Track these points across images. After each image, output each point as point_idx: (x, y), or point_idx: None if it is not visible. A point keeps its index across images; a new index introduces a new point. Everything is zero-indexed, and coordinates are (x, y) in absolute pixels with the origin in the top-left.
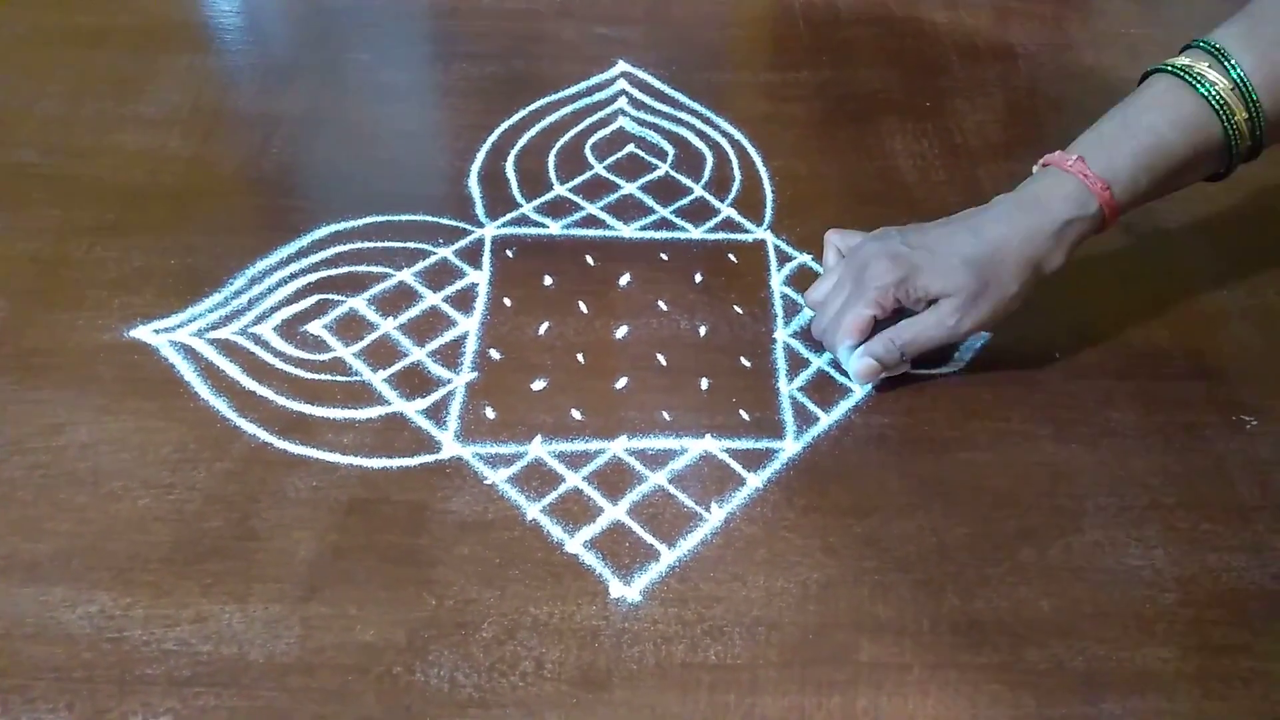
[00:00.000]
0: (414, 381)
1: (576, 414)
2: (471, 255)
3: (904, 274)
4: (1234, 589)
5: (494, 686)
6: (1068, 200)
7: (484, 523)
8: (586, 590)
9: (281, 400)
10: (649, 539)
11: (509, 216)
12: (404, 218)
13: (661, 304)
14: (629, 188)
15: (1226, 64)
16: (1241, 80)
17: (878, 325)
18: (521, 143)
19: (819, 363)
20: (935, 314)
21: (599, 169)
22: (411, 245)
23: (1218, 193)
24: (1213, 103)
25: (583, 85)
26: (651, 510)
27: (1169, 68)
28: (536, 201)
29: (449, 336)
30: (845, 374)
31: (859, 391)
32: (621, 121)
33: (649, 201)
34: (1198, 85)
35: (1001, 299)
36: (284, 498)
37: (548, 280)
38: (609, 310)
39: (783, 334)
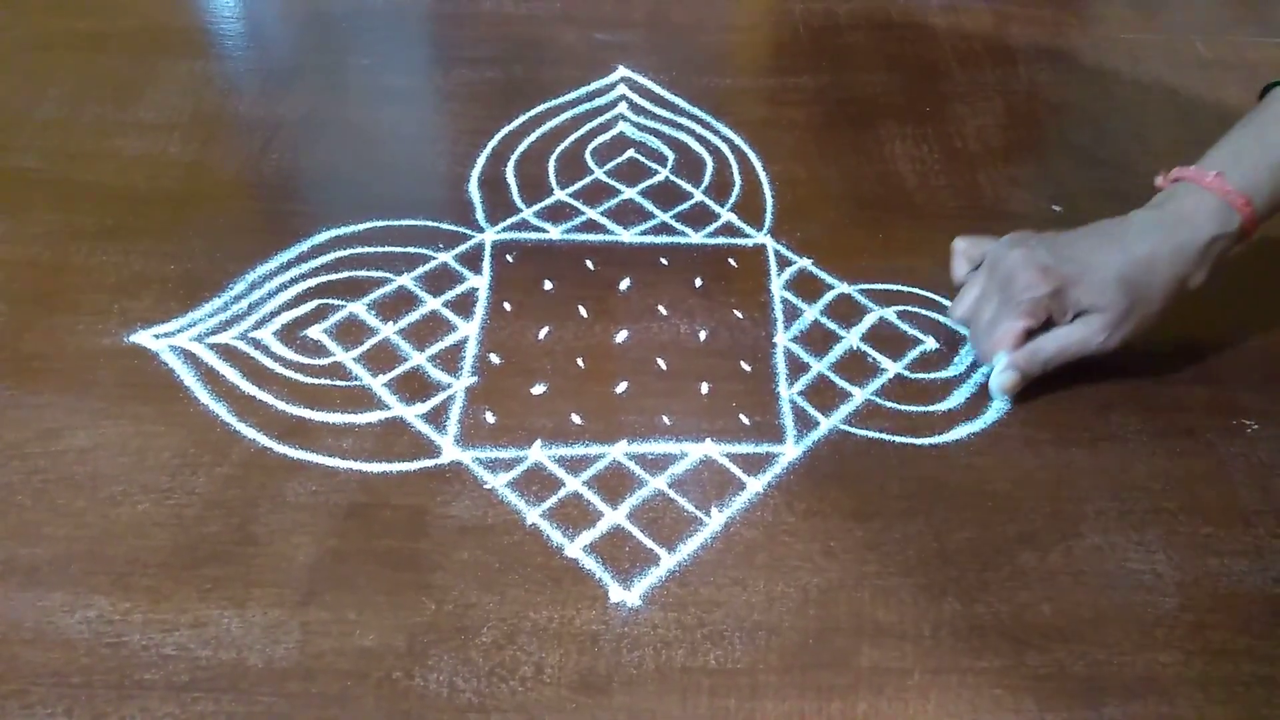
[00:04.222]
0: (414, 386)
1: (576, 418)
2: (472, 260)
3: (1056, 286)
4: (1235, 593)
5: (493, 691)
6: (1212, 218)
7: (484, 527)
8: (586, 595)
9: (281, 405)
10: (649, 543)
11: (509, 221)
12: (404, 222)
13: (661, 309)
14: (629, 193)
15: None
16: None
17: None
18: (522, 148)
19: (819, 367)
20: (1083, 329)
21: (599, 174)
22: (412, 250)
23: None
24: None
25: (583, 90)
26: (651, 515)
27: None
28: (537, 206)
29: (449, 341)
30: (847, 382)
31: (859, 396)
32: (621, 127)
33: (649, 206)
34: None
35: (1148, 315)
36: (283, 502)
37: (548, 285)
38: (609, 315)
39: (783, 338)
